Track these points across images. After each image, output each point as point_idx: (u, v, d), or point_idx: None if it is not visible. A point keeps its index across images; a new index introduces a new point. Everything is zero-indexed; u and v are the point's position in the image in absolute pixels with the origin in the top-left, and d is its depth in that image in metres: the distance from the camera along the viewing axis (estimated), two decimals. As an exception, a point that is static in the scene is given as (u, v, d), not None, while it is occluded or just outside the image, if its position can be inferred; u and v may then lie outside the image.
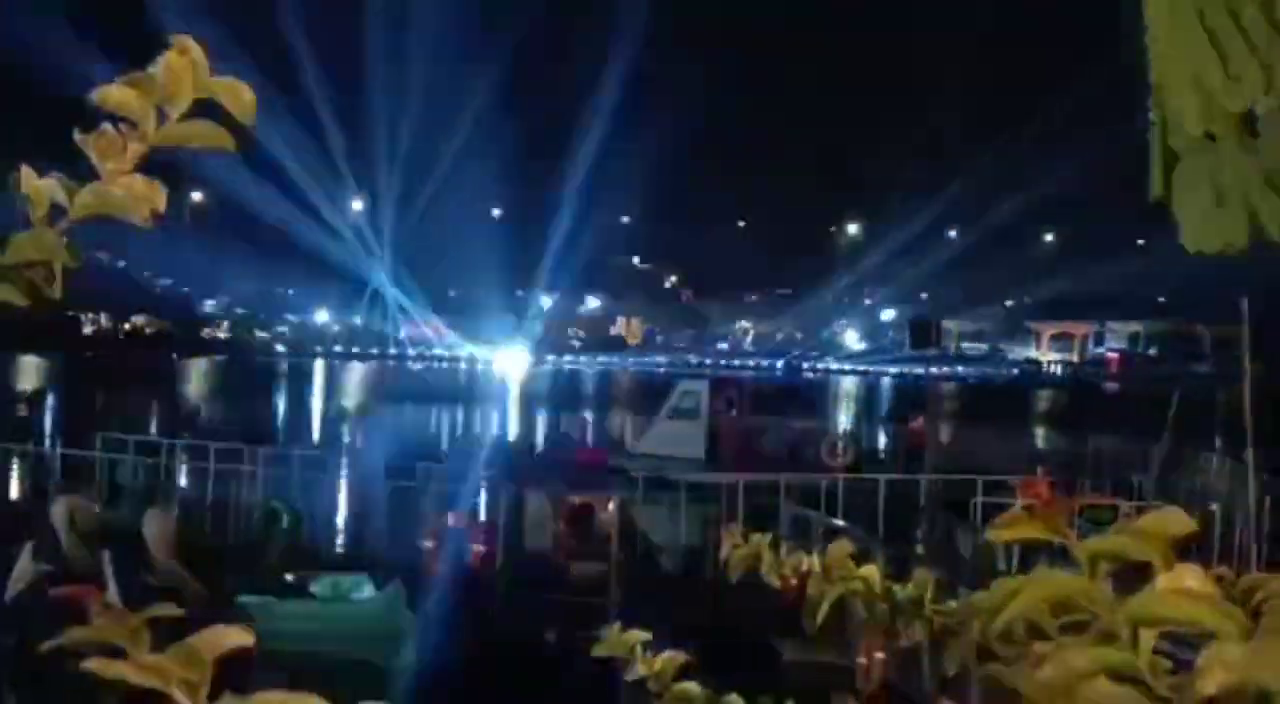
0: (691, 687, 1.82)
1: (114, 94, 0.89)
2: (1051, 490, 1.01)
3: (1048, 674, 0.92)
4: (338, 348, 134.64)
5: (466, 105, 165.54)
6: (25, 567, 18.34)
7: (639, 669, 1.86)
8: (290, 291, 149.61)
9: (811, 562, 1.89)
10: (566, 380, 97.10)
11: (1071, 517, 1.02)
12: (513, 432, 50.32)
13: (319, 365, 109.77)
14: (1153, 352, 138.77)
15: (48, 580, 17.50)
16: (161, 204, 0.90)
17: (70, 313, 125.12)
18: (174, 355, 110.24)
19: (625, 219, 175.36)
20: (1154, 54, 2.06)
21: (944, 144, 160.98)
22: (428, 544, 20.17)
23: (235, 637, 0.98)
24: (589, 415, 59.89)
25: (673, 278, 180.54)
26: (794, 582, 2.05)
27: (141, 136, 0.89)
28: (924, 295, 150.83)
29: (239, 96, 0.88)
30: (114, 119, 0.90)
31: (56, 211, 0.92)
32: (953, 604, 1.74)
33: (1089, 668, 0.93)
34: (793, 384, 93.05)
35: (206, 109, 0.92)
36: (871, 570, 1.83)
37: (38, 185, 0.91)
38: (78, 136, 0.91)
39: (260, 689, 1.00)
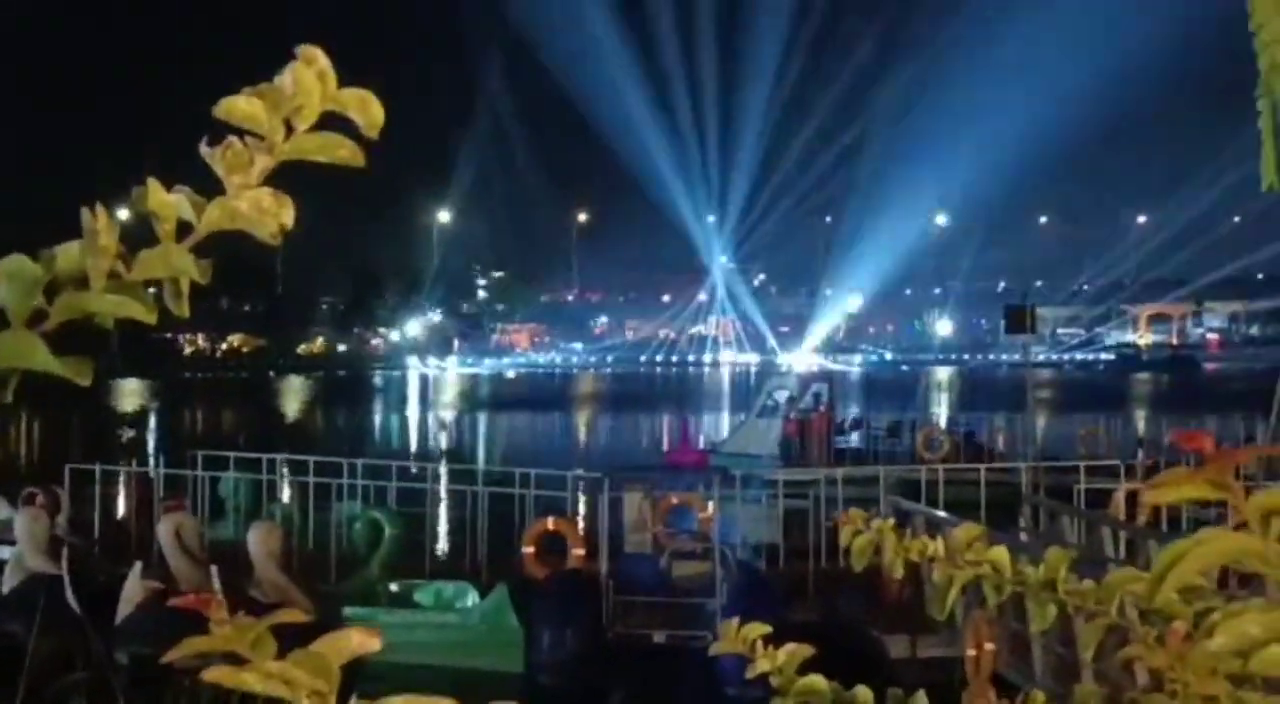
0: (817, 680, 1.79)
1: (240, 106, 0.87)
2: (1215, 442, 0.95)
3: (1220, 643, 0.89)
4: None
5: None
6: (135, 586, 18.58)
7: (761, 665, 1.82)
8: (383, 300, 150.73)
9: (937, 546, 1.84)
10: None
11: (1237, 470, 0.96)
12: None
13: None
14: (1254, 331, 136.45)
15: (158, 597, 17.66)
16: (289, 219, 0.89)
17: (169, 335, 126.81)
18: (270, 372, 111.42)
19: (711, 218, 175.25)
20: (1261, 40, 2.01)
21: (1035, 128, 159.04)
22: (528, 549, 20.24)
23: (362, 642, 0.97)
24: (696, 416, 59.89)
25: (760, 275, 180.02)
26: (899, 577, 2.02)
27: (269, 149, 0.88)
28: (1000, 286, 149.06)
29: (368, 109, 0.86)
30: (239, 132, 0.88)
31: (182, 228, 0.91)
32: (1088, 584, 1.69)
33: (1264, 635, 0.89)
34: (885, 377, 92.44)
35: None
36: (1002, 552, 1.79)
37: (165, 200, 0.90)
38: (203, 150, 0.89)
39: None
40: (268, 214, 0.87)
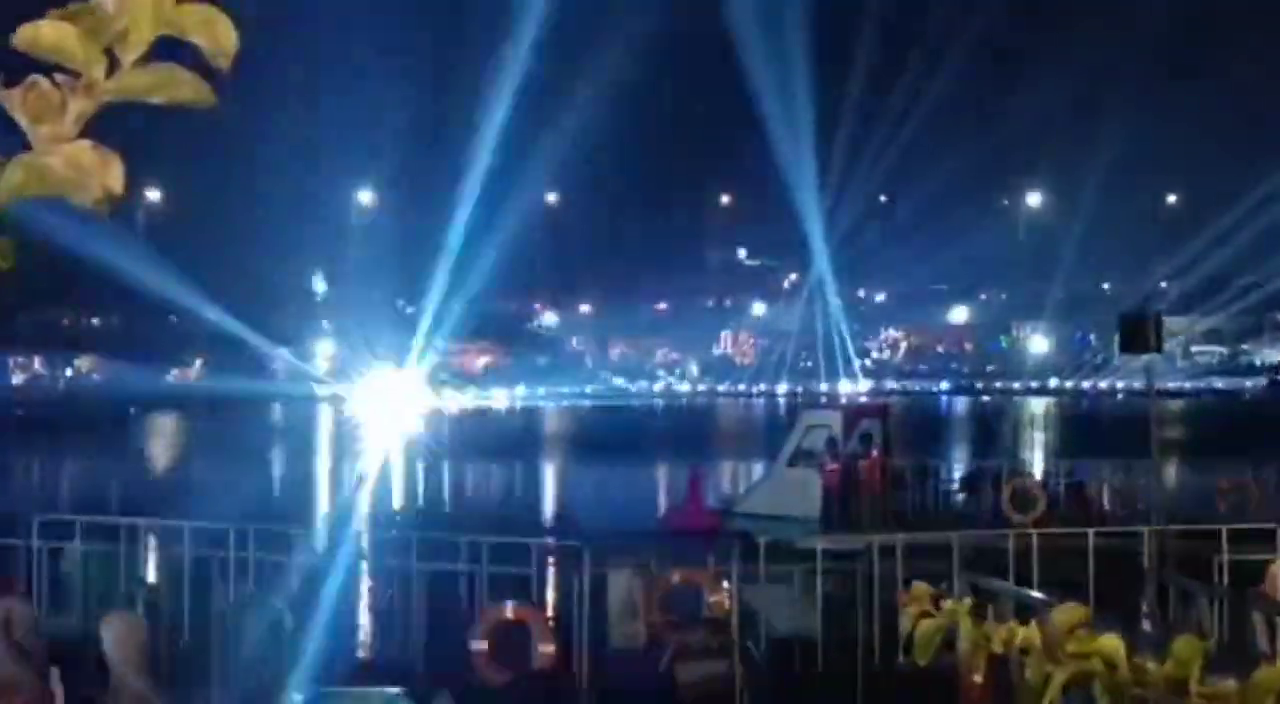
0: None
1: (46, 33, 0.85)
2: None
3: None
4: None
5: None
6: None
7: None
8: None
9: (1029, 635, 1.82)
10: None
11: None
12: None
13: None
14: None
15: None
16: (118, 182, 0.87)
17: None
18: (130, 408, 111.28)
19: (725, 198, 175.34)
20: None
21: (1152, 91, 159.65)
22: (480, 645, 20.19)
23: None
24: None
25: (792, 275, 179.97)
26: (980, 677, 2.01)
27: (87, 90, 0.86)
28: (1105, 285, 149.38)
29: (215, 31, 0.84)
30: (49, 68, 0.86)
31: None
32: (1229, 684, 1.67)
33: None
34: (961, 411, 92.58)
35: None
36: (1114, 642, 1.76)
37: (-52, 162, 0.88)
38: (-1, 93, 0.87)
39: None
40: (88, 174, 0.84)
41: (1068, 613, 1.79)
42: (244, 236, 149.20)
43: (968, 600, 1.96)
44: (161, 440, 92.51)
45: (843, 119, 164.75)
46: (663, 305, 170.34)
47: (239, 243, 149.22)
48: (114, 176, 0.88)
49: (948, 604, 1.95)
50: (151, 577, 24.37)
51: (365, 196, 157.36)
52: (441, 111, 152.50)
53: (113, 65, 0.87)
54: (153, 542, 24.82)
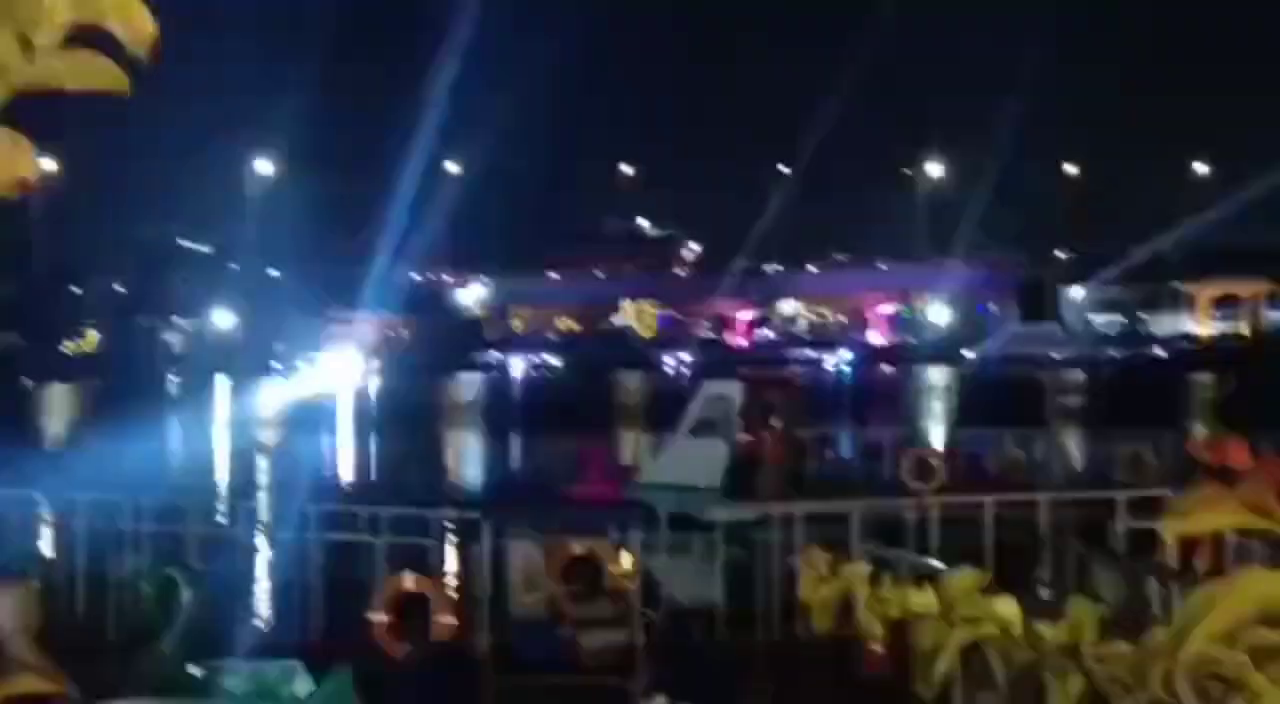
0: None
1: None
2: (1253, 453, 0.96)
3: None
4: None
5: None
6: None
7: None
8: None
9: (925, 599, 1.81)
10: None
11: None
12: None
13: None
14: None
15: None
16: (31, 169, 0.87)
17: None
18: (24, 379, 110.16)
19: (626, 168, 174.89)
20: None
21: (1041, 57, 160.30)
22: (380, 617, 20.15)
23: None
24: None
25: (691, 245, 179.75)
26: (879, 648, 2.02)
27: (2, 75, 0.85)
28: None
29: (132, 18, 0.83)
30: None
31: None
32: (1122, 649, 1.65)
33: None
34: (862, 382, 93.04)
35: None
36: (1009, 606, 1.76)
37: None
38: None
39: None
40: (2, 161, 0.84)
41: (963, 578, 1.79)
42: (140, 205, 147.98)
43: (865, 567, 1.96)
44: (56, 411, 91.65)
45: (745, 90, 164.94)
46: (554, 274, 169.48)
47: (134, 212, 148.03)
48: (27, 164, 0.88)
49: (844, 569, 1.95)
50: (46, 547, 24.19)
51: (262, 165, 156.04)
52: (343, 81, 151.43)
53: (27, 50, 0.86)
54: (46, 513, 24.62)
